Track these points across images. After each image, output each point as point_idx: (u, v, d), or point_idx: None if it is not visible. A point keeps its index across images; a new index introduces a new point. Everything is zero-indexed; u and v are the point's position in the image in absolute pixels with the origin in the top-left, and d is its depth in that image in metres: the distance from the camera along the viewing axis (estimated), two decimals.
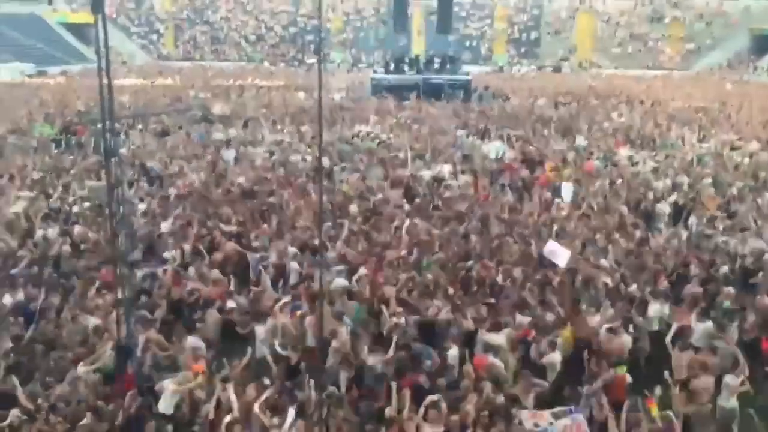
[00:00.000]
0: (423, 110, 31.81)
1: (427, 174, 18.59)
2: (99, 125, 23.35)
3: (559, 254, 10.83)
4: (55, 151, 22.25)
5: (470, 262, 11.69)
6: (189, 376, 8.20)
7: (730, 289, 10.69)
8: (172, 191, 16.26)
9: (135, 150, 21.57)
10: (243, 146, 22.62)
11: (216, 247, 12.55)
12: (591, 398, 7.96)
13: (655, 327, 10.09)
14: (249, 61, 66.98)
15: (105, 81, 6.64)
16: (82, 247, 12.67)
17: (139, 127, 26.56)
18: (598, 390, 7.96)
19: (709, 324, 9.65)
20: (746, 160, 21.02)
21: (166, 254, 12.07)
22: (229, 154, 20.84)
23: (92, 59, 57.30)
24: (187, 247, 12.24)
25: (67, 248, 12.44)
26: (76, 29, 65.68)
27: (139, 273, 10.92)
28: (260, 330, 9.52)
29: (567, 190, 16.30)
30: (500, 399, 7.86)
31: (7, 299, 10.15)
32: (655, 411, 7.71)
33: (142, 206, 14.95)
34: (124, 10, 71.11)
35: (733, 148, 23.07)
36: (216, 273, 11.26)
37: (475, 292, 10.75)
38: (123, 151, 21.18)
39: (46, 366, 8.41)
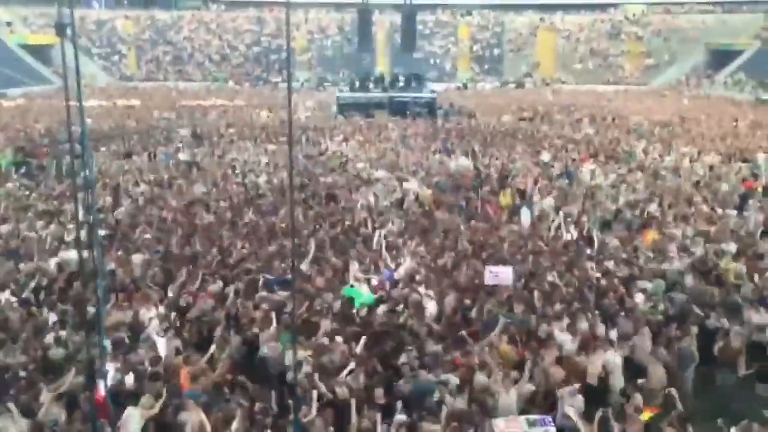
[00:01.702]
0: (388, 128, 31.96)
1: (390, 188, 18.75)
2: (60, 147, 23.34)
3: (502, 275, 10.99)
4: (15, 175, 21.64)
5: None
6: (151, 400, 8.00)
7: None
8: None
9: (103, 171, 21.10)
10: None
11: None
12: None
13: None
14: (213, 80, 66.58)
15: (75, 102, 6.45)
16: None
17: (102, 149, 26.15)
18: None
19: None
20: (706, 171, 21.48)
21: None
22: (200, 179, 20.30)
23: (53, 81, 56.49)
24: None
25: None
26: (35, 50, 64.68)
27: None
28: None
29: (525, 214, 16.13)
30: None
31: None
32: (647, 416, 7.74)
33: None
34: (85, 31, 70.22)
35: (692, 161, 23.57)
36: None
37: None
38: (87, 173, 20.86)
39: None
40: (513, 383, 8.33)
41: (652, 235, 14.27)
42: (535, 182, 19.07)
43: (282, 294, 10.81)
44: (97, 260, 6.42)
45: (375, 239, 13.53)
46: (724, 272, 12.27)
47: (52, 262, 12.53)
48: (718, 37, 66.47)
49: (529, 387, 8.46)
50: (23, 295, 10.97)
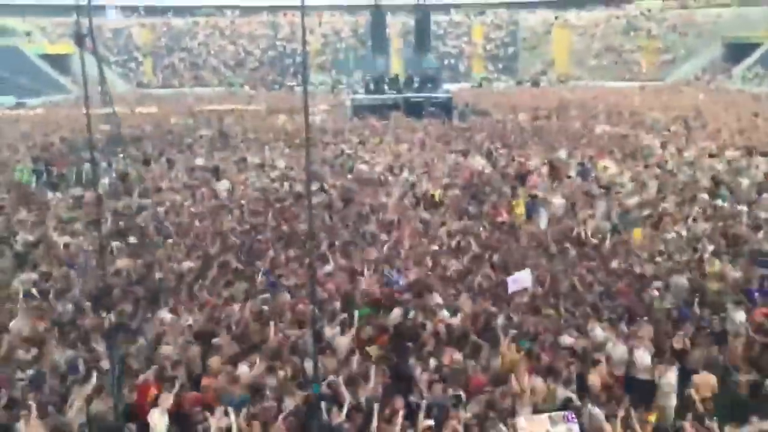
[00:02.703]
0: (404, 129, 31.97)
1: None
2: (81, 155, 23.61)
3: (522, 279, 10.98)
4: (34, 185, 21.85)
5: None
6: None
7: None
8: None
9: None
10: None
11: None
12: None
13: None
14: (229, 86, 67.01)
15: (96, 110, 6.58)
16: None
17: (121, 155, 26.39)
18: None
19: None
20: (725, 167, 21.27)
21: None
22: (222, 185, 20.38)
23: (71, 90, 57.02)
24: None
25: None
26: (54, 60, 65.49)
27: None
28: None
29: (542, 215, 16.16)
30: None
31: None
32: (653, 419, 7.71)
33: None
34: (102, 40, 70.98)
35: (711, 156, 23.34)
36: None
37: None
38: (106, 180, 21.11)
39: None
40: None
41: (639, 233, 14.10)
42: (554, 177, 18.94)
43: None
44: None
45: (387, 243, 13.60)
46: (710, 274, 12.06)
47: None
48: (735, 31, 65.73)
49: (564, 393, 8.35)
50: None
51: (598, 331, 9.71)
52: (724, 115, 35.02)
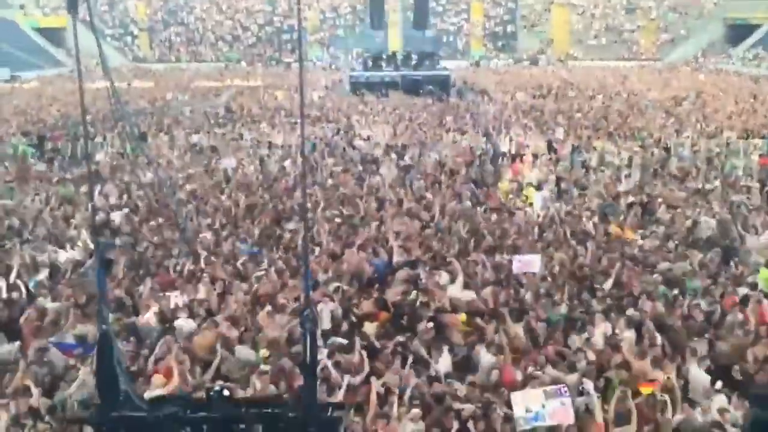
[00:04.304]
0: (403, 106, 31.85)
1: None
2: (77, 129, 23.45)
3: (531, 262, 10.95)
4: (31, 160, 21.70)
5: None
6: (160, 379, 8.04)
7: None
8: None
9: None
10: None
11: None
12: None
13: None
14: (226, 61, 66.51)
15: (108, 84, 6.42)
16: None
17: (117, 130, 26.20)
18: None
19: None
20: (723, 149, 21.28)
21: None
22: (229, 163, 19.89)
23: (66, 63, 56.52)
24: None
25: None
26: (49, 33, 64.84)
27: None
28: None
29: (538, 198, 16.00)
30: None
31: None
32: (647, 391, 7.75)
33: None
34: (97, 12, 70.20)
35: (710, 137, 23.33)
36: None
37: None
38: (100, 156, 21.00)
39: None
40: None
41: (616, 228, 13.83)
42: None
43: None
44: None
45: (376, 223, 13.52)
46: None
47: None
48: (736, 12, 65.32)
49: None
50: None
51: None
52: (723, 97, 34.94)
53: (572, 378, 8.10)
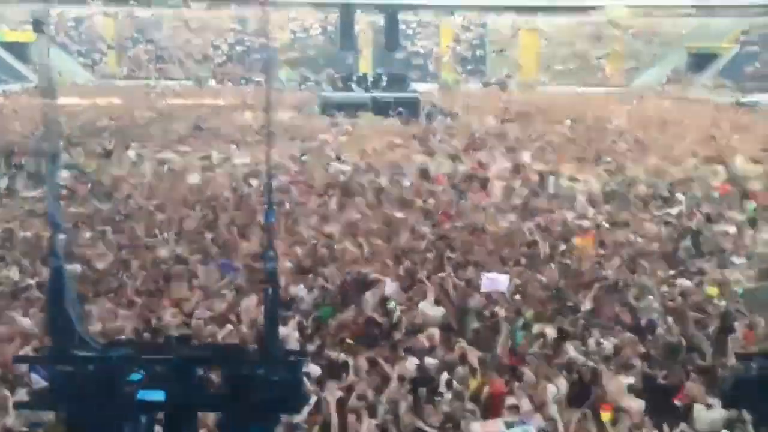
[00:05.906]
0: (372, 129, 31.94)
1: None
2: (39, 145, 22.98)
3: (498, 281, 10.94)
4: None
5: None
6: None
7: None
8: None
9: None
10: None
11: None
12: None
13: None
14: (195, 79, 66.03)
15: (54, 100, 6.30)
16: None
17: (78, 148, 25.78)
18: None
19: None
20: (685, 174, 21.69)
21: None
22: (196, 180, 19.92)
23: (31, 79, 55.44)
24: None
25: None
26: (13, 48, 63.74)
27: None
28: None
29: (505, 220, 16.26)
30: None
31: None
32: (607, 418, 7.76)
33: None
34: (63, 28, 69.37)
35: (673, 163, 23.74)
36: None
37: None
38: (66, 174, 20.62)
39: None
40: None
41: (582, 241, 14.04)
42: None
43: None
44: None
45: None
46: None
47: None
48: (698, 41, 67.18)
49: None
50: None
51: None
52: (686, 123, 35.71)
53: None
